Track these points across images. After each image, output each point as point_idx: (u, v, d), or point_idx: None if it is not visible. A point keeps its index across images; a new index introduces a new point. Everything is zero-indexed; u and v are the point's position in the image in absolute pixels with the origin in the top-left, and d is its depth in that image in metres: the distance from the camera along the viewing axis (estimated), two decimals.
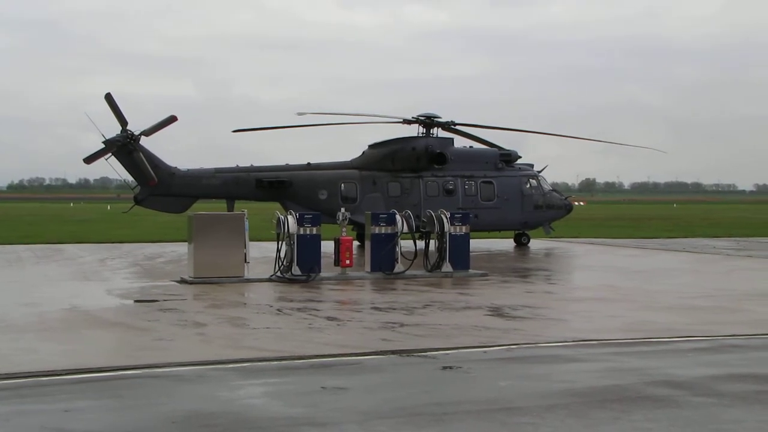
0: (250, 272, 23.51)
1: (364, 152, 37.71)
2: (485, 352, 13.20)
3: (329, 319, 16.79)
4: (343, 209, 26.16)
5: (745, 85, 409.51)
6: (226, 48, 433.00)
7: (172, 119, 34.05)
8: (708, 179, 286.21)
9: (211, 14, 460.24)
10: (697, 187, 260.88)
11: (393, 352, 13.04)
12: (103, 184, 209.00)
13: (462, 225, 25.04)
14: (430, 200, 35.70)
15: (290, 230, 23.24)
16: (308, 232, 23.39)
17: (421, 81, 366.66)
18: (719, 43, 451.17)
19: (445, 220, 24.80)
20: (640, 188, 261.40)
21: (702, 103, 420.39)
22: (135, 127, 33.73)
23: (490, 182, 37.51)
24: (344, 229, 25.19)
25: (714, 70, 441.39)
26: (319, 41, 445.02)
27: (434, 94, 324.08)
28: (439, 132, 37.92)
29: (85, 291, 21.02)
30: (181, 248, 30.44)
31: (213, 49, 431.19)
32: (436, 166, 36.88)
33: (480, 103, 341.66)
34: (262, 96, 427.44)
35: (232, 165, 36.31)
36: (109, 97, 32.89)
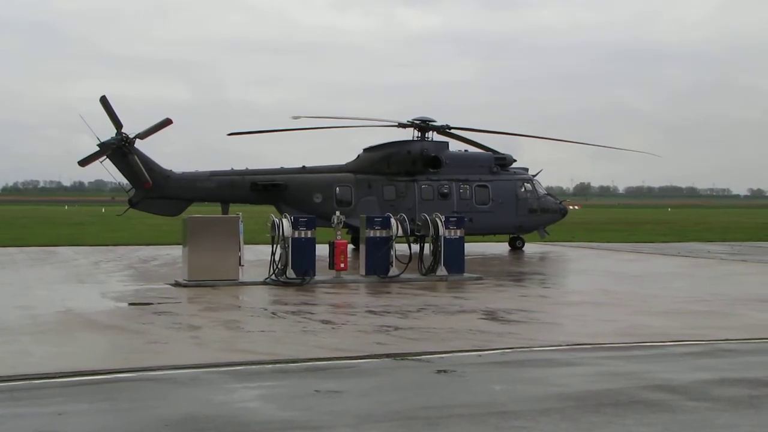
0: (244, 275, 23.49)
1: (359, 156, 37.72)
2: (480, 355, 13.21)
3: (324, 322, 16.78)
4: (338, 212, 26.12)
5: (740, 89, 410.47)
6: (218, 51, 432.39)
7: (167, 122, 34.05)
8: (702, 184, 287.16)
9: (203, 17, 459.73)
10: (691, 192, 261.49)
11: (387, 356, 13.04)
12: (98, 186, 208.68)
13: (457, 228, 25.06)
14: (425, 204, 35.73)
15: (285, 233, 23.23)
16: (303, 235, 23.38)
17: (413, 85, 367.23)
18: (714, 47, 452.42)
19: (439, 224, 24.81)
20: (635, 192, 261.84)
21: (696, 108, 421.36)
22: (129, 130, 33.73)
23: (485, 186, 37.54)
24: (339, 233, 25.18)
25: (710, 74, 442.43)
26: (312, 44, 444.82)
27: (427, 98, 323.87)
28: (434, 136, 37.97)
29: (79, 294, 20.99)
30: (176, 251, 30.42)
31: (206, 51, 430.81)
32: (431, 170, 36.91)
33: (472, 107, 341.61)
34: (255, 99, 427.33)
35: (226, 168, 36.34)
36: (104, 100, 32.88)
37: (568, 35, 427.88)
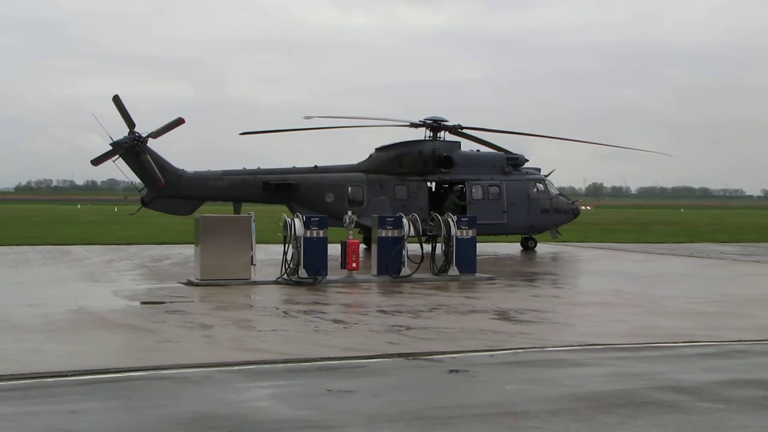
0: (256, 275, 23.52)
1: (371, 155, 37.70)
2: (491, 355, 13.20)
3: (335, 321, 16.80)
4: (349, 212, 26.13)
5: (754, 89, 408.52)
6: (223, 50, 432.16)
7: (180, 121, 34.09)
8: (715, 184, 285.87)
9: (208, 16, 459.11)
10: (704, 192, 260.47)
11: (399, 356, 13.05)
12: (111, 185, 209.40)
13: (469, 228, 25.03)
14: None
15: (297, 233, 23.25)
16: (315, 234, 23.39)
17: (417, 84, 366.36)
18: (724, 46, 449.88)
19: (451, 224, 24.79)
20: (648, 193, 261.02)
21: (708, 108, 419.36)
22: (138, 128, 33.75)
23: (497, 186, 37.50)
24: (351, 232, 25.19)
25: (722, 74, 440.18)
26: (316, 44, 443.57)
27: (431, 97, 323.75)
28: (446, 135, 37.95)
29: (91, 292, 21.06)
30: (188, 250, 30.48)
31: (211, 50, 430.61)
32: (443, 170, 36.90)
33: (477, 107, 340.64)
34: (259, 98, 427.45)
35: (236, 167, 36.36)
36: (116, 99, 32.93)
37: (573, 35, 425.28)
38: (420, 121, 37.60)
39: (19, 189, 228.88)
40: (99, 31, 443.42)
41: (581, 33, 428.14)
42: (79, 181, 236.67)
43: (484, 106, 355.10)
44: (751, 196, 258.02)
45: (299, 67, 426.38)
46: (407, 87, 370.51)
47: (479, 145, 39.08)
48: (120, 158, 33.85)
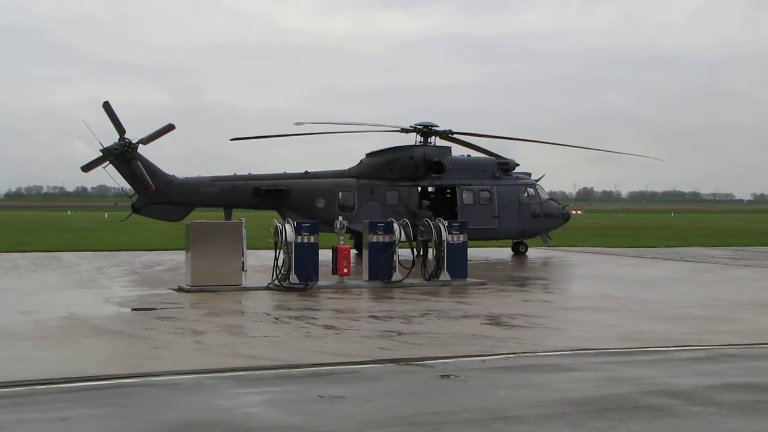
0: (247, 280, 23.50)
1: (361, 161, 37.72)
2: (483, 360, 13.20)
3: (327, 327, 16.77)
4: (340, 218, 26.11)
5: (744, 94, 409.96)
6: (206, 56, 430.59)
7: (170, 127, 34.09)
8: (706, 189, 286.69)
9: (190, 22, 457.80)
10: (694, 197, 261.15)
11: (391, 361, 13.04)
12: (101, 192, 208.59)
13: (460, 233, 25.04)
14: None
15: (288, 239, 23.23)
16: (306, 240, 23.38)
17: (402, 89, 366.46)
18: (713, 51, 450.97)
19: (442, 229, 24.79)
20: (638, 197, 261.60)
21: (698, 113, 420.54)
22: (127, 135, 33.64)
23: (488, 191, 37.54)
24: (342, 238, 25.18)
25: (712, 78, 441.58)
26: (298, 49, 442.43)
27: (416, 103, 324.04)
28: (436, 141, 37.98)
29: (82, 299, 20.99)
30: (179, 256, 30.42)
31: (193, 57, 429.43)
32: (434, 175, 36.93)
33: (464, 113, 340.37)
34: (244, 104, 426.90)
35: (220, 173, 36.29)
36: (107, 106, 32.92)
37: (557, 39, 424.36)
38: (411, 126, 37.63)
39: (9, 196, 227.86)
40: (84, 37, 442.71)
41: (565, 38, 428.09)
42: (70, 188, 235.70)
43: (471, 111, 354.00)
44: (741, 200, 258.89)
45: (282, 73, 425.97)
46: (391, 92, 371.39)
47: (470, 150, 39.14)
48: (110, 164, 33.81)
